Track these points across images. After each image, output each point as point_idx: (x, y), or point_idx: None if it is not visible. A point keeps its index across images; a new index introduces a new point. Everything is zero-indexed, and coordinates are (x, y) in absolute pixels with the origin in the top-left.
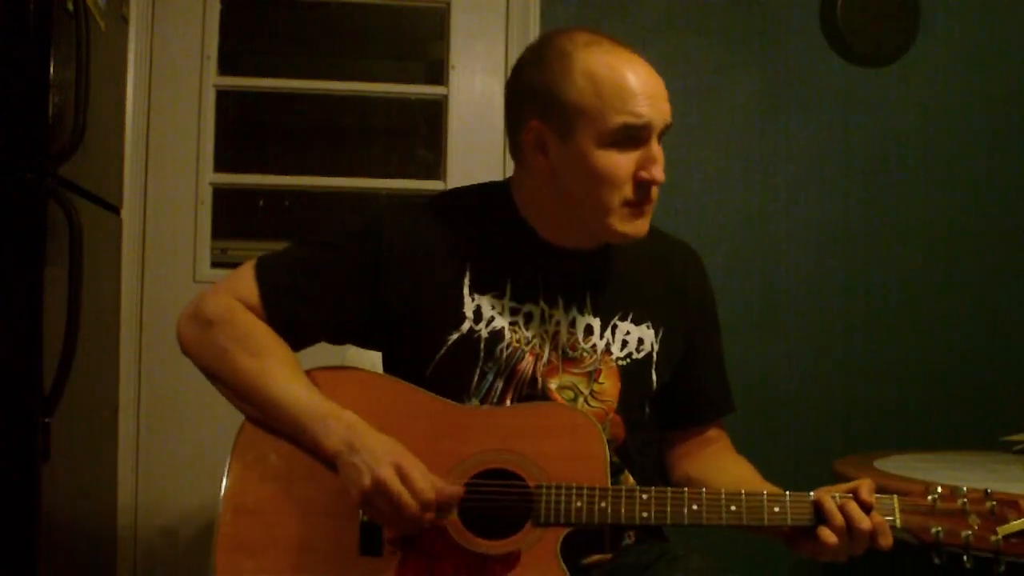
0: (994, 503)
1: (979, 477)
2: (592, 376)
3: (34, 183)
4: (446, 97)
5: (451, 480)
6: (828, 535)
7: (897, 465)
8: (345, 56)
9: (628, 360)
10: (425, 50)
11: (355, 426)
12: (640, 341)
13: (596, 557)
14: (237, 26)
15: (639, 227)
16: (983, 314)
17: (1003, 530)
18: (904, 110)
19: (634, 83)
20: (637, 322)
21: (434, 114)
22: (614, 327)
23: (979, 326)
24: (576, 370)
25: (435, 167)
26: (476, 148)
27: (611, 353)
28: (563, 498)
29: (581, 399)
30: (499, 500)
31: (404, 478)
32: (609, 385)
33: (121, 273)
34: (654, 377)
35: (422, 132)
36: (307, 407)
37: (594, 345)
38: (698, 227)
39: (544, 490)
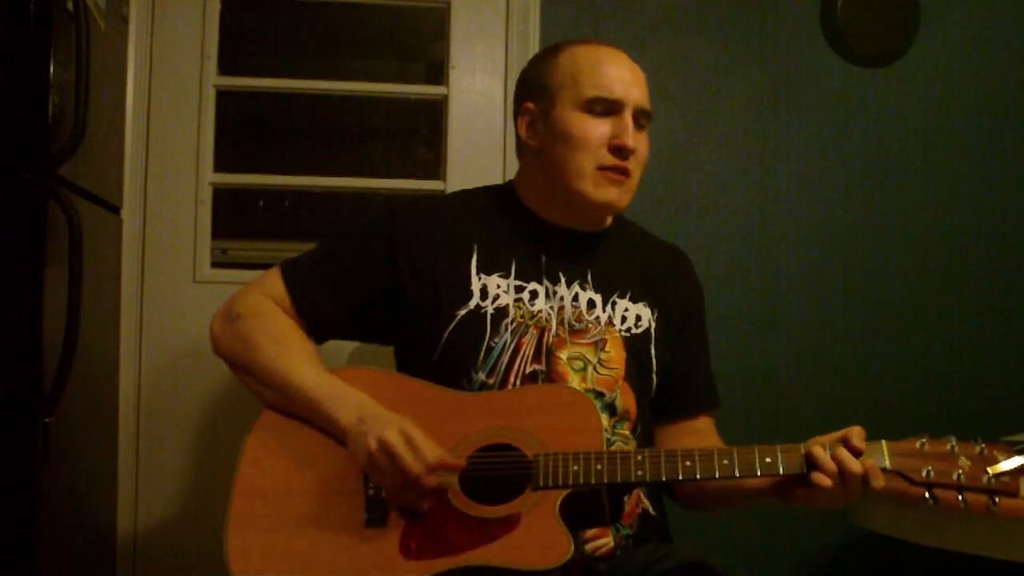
0: (983, 446)
1: None
2: (599, 345)
3: (34, 183)
4: (446, 97)
5: (454, 456)
6: (821, 479)
7: None
8: (345, 56)
9: (629, 333)
10: (425, 50)
11: (365, 402)
12: (638, 318)
13: (597, 541)
14: (237, 26)
15: (614, 195)
16: (983, 313)
17: (994, 469)
18: (904, 110)
19: (611, 69)
20: (635, 300)
21: (434, 114)
22: (614, 303)
23: (979, 325)
24: (583, 341)
25: (435, 167)
26: (476, 148)
27: (613, 325)
28: (560, 463)
29: (591, 368)
30: (499, 470)
31: (409, 440)
32: (615, 354)
33: (121, 273)
34: (653, 351)
35: (422, 132)
36: (322, 388)
37: (597, 317)
38: (698, 227)
39: (542, 458)
